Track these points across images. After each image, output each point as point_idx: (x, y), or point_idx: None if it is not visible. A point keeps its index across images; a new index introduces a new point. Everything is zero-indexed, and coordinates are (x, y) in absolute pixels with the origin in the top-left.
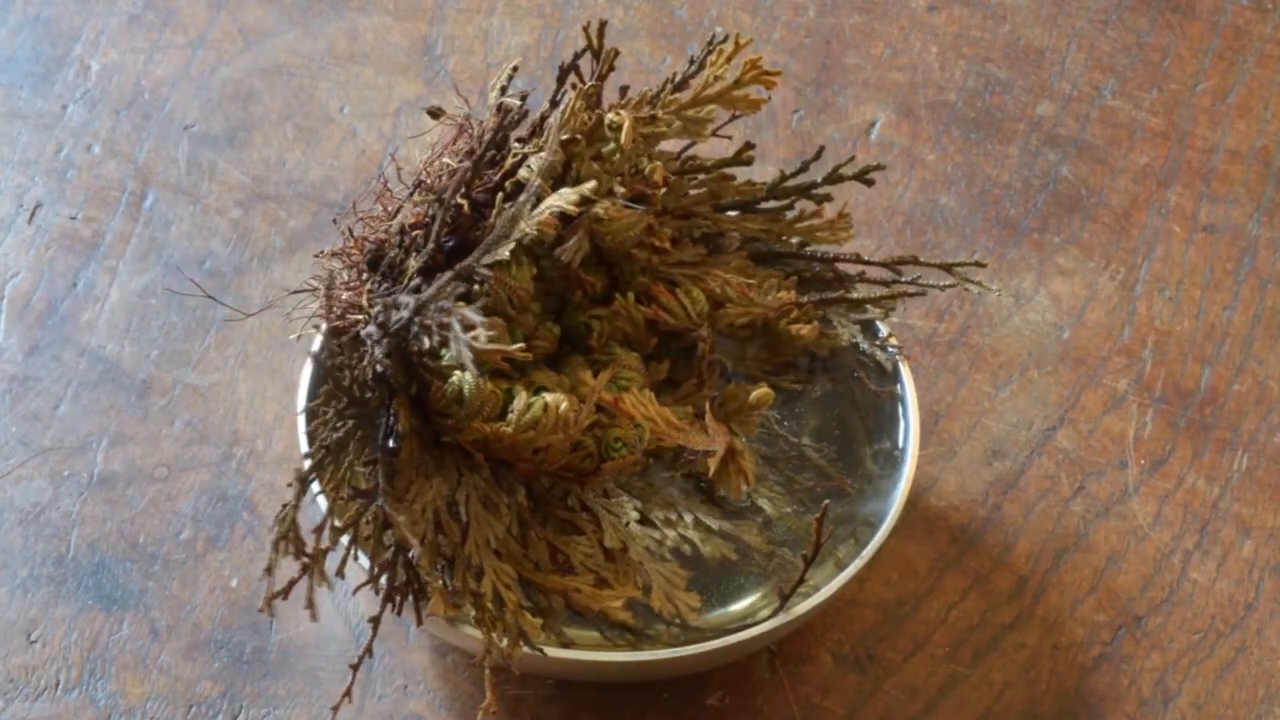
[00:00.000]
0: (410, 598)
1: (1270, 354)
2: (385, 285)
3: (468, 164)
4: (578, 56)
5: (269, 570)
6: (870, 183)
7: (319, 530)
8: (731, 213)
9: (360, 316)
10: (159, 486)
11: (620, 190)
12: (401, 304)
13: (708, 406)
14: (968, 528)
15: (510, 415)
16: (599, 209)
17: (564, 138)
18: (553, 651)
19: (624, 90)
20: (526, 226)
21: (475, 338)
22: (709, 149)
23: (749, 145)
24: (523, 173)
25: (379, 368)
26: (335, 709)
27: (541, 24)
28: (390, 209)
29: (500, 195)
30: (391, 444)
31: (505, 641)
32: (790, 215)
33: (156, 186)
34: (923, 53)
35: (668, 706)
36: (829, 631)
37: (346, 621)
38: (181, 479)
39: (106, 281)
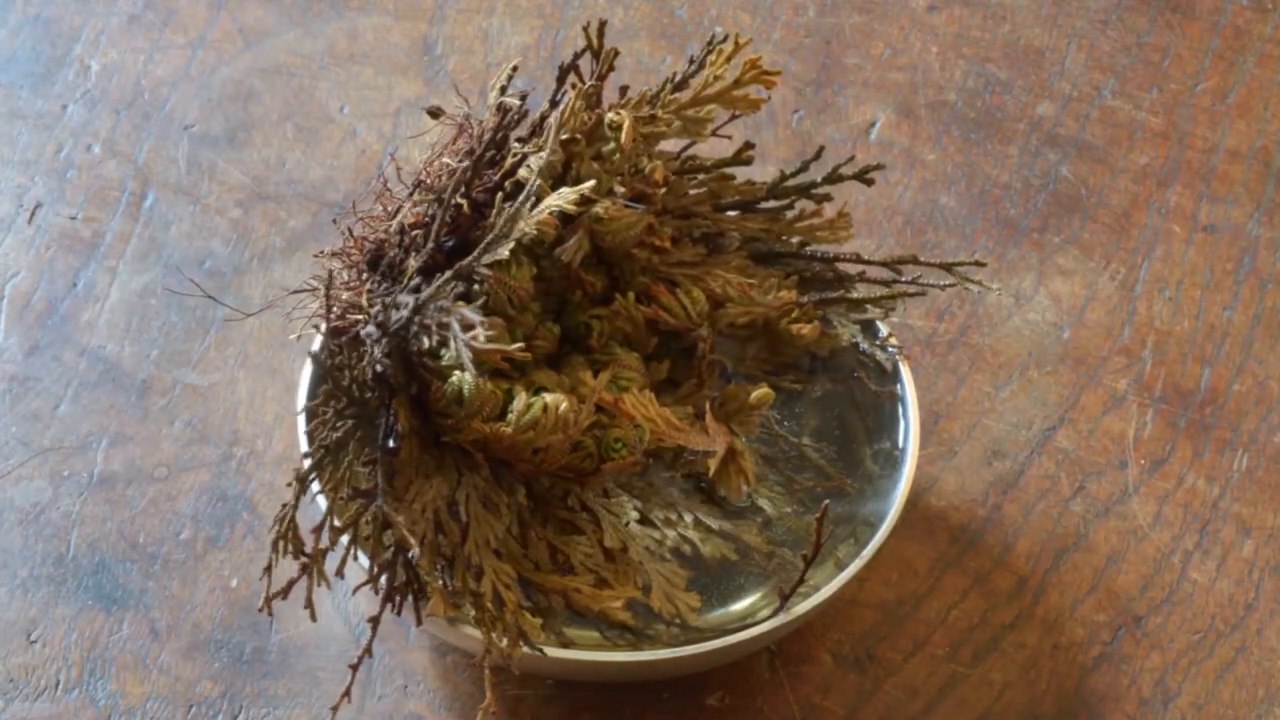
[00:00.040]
0: (410, 598)
1: (1270, 354)
2: (385, 285)
3: (467, 164)
4: (577, 56)
5: (268, 570)
6: (870, 182)
7: (318, 530)
8: (731, 212)
9: (360, 316)
10: (159, 486)
11: (620, 190)
12: (401, 304)
13: (708, 407)
14: (968, 528)
15: (510, 415)
16: (599, 208)
17: (564, 137)
18: (553, 651)
19: (624, 90)
20: (526, 226)
21: (475, 337)
22: (709, 149)
23: (749, 145)
24: (522, 172)
25: (379, 367)
26: (335, 709)
27: (541, 24)
28: (390, 209)
29: (500, 195)
30: (391, 444)
31: (505, 641)
32: (790, 215)
33: (156, 186)
34: (923, 53)
35: (668, 706)
36: (829, 631)
37: (346, 621)
38: (181, 479)
39: (106, 281)
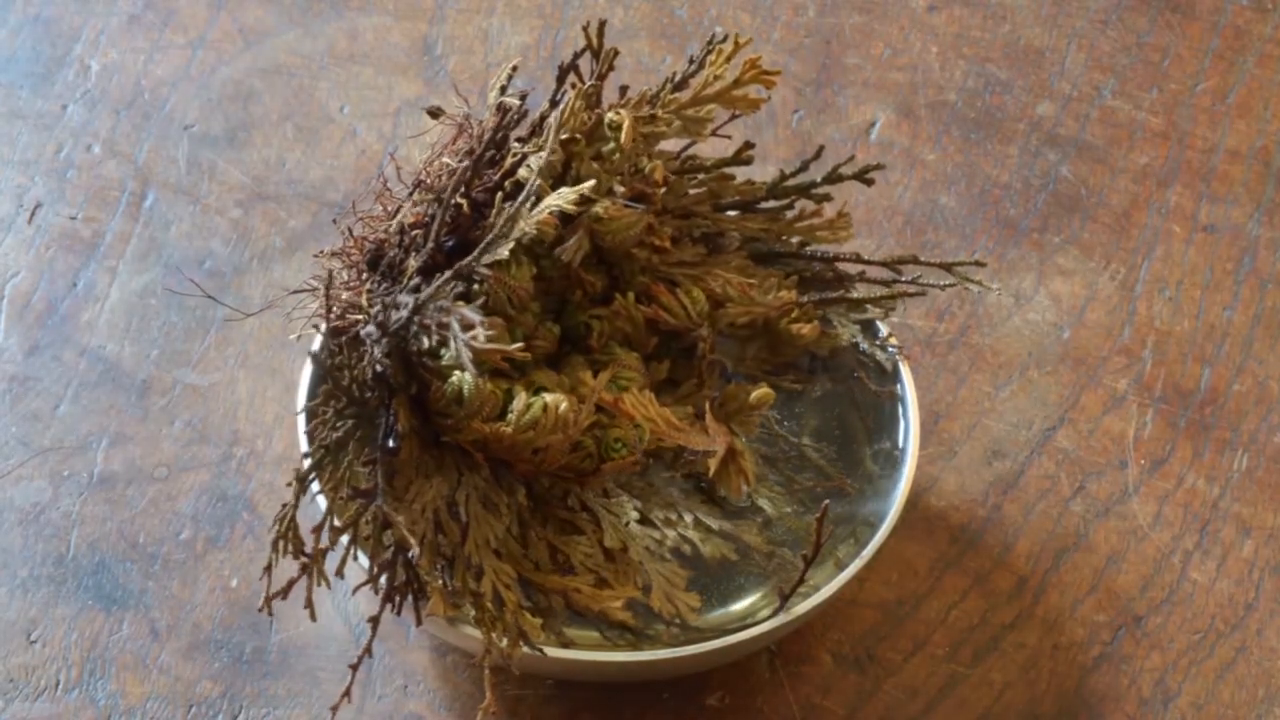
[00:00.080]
0: (410, 597)
1: (1270, 354)
2: (385, 285)
3: (467, 164)
4: (577, 56)
5: (268, 570)
6: (870, 182)
7: (318, 530)
8: (731, 212)
9: (360, 316)
10: (159, 486)
11: (620, 189)
12: (401, 303)
13: (708, 407)
14: (968, 528)
15: (510, 415)
16: (599, 208)
17: (563, 137)
18: (553, 651)
19: (624, 90)
20: (526, 226)
21: (474, 337)
22: (709, 149)
23: (748, 145)
24: (522, 172)
25: (378, 367)
26: (334, 709)
27: (541, 24)
28: (390, 209)
29: (500, 195)
30: (391, 444)
31: (505, 641)
32: (790, 215)
33: (156, 186)
34: (923, 53)
35: (668, 706)
36: (829, 631)
37: (346, 621)
38: (181, 479)
39: (106, 281)
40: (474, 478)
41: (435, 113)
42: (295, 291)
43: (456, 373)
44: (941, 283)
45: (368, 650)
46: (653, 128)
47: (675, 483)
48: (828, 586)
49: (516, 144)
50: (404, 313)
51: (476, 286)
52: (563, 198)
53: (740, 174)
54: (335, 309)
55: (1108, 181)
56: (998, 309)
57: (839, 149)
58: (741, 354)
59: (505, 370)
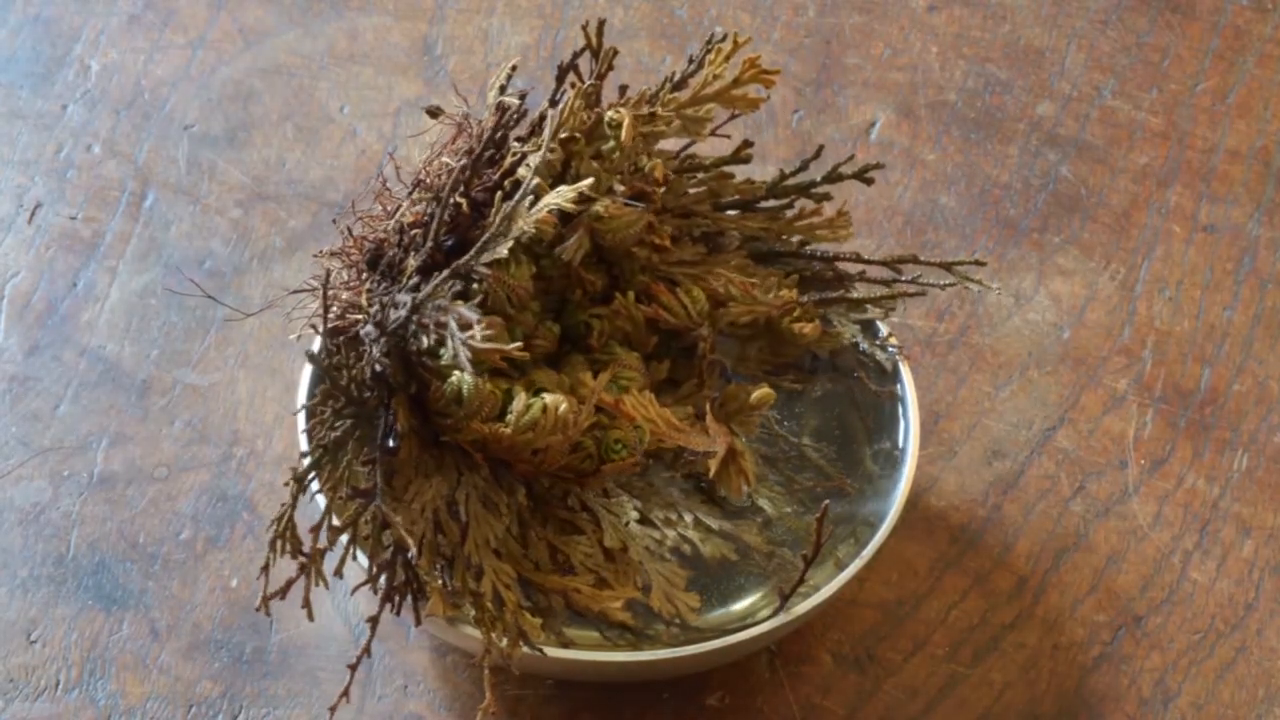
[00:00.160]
0: (409, 597)
1: (1270, 354)
2: (384, 284)
3: (466, 163)
4: (576, 56)
5: (266, 570)
6: (870, 181)
7: (316, 530)
8: (731, 211)
9: (360, 316)
10: (159, 486)
11: (620, 188)
12: (399, 303)
13: (708, 407)
14: (968, 528)
15: (509, 416)
16: (599, 207)
17: (563, 136)
18: (553, 651)
19: (623, 89)
20: (524, 224)
21: (472, 336)
22: (709, 148)
23: (747, 143)
24: (521, 171)
25: (377, 367)
26: (333, 709)
27: (541, 24)
28: (389, 208)
29: (499, 194)
30: (391, 443)
31: (505, 641)
32: (790, 214)
33: (156, 186)
34: (923, 53)
35: (668, 706)
36: (829, 631)
37: (346, 621)
38: (181, 479)
39: (106, 281)
40: (474, 477)
41: (435, 112)
42: (295, 291)
43: (456, 372)
44: (941, 282)
45: (366, 650)
46: (652, 127)
47: (675, 483)
48: (828, 586)
49: (516, 143)
50: (402, 312)
51: (475, 285)
52: (561, 196)
53: (740, 173)
54: (335, 309)
55: (1108, 181)
56: (998, 309)
57: (839, 149)
58: (742, 353)
59: (505, 370)
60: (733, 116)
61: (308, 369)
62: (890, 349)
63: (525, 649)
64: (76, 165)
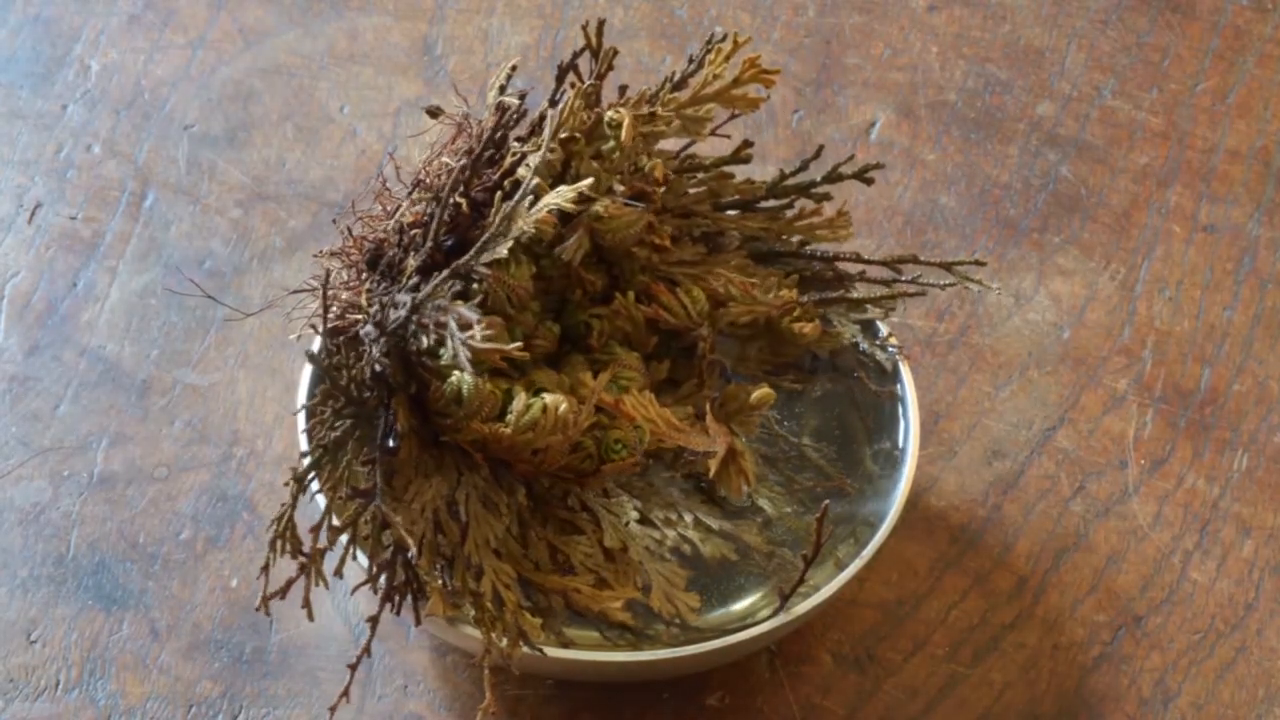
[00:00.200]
0: (409, 597)
1: (1270, 354)
2: (384, 284)
3: (465, 162)
4: (576, 55)
5: (265, 570)
6: (870, 181)
7: (316, 530)
8: (731, 211)
9: (359, 316)
10: (159, 486)
11: (620, 188)
12: (399, 303)
13: (708, 407)
14: (968, 528)
15: (509, 416)
16: (599, 207)
17: (563, 136)
18: (553, 651)
19: (623, 89)
20: (524, 224)
21: (472, 336)
22: (709, 148)
23: (747, 143)
24: (521, 171)
25: (377, 367)
26: (333, 709)
27: (541, 24)
28: (389, 208)
29: (499, 194)
30: (391, 443)
31: (505, 641)
32: (790, 214)
33: (156, 186)
34: (923, 53)
35: (668, 706)
36: (829, 631)
37: (346, 621)
38: (181, 479)
39: (106, 281)
40: (474, 477)
41: (434, 112)
42: (295, 291)
43: (456, 373)
44: (941, 282)
45: (366, 650)
46: (652, 127)
47: (675, 483)
48: (828, 586)
49: (516, 143)
50: (402, 312)
51: (475, 285)
52: (561, 196)
53: (740, 173)
54: (335, 309)
55: (1108, 181)
56: (998, 309)
57: (839, 149)
58: (742, 353)
59: (505, 370)
60: (733, 116)
61: (308, 369)
62: (890, 349)
63: (525, 649)
64: (76, 165)
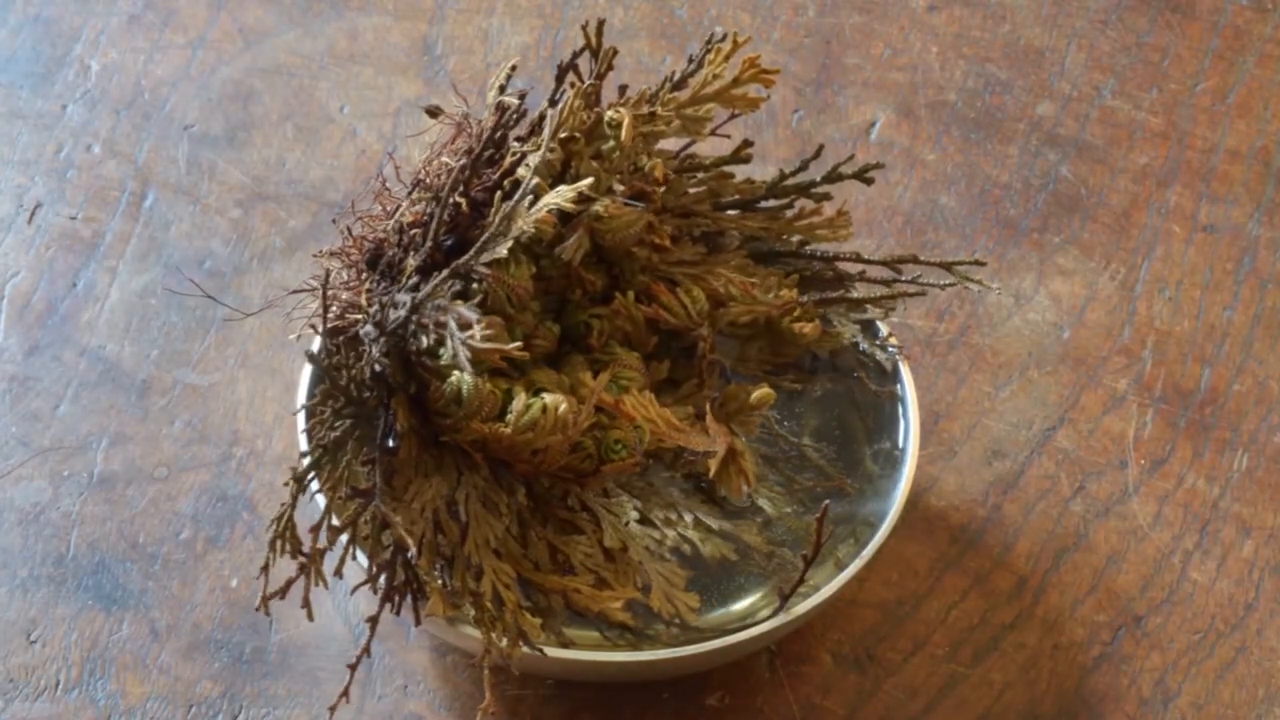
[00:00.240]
0: (409, 597)
1: (1270, 354)
2: (384, 284)
3: (465, 162)
4: (576, 55)
5: (265, 570)
6: (869, 181)
7: (316, 529)
8: (731, 211)
9: (359, 316)
10: (159, 486)
11: (620, 188)
12: (399, 303)
13: (708, 407)
14: (968, 528)
15: (509, 416)
16: (599, 207)
17: (563, 136)
18: (553, 651)
19: (623, 89)
20: (524, 224)
21: (471, 336)
22: (709, 148)
23: (747, 143)
24: (521, 171)
25: (377, 367)
26: (333, 709)
27: (541, 24)
28: (389, 208)
29: (499, 194)
30: (391, 443)
31: (505, 641)
32: (790, 214)
33: (156, 186)
34: (923, 53)
35: (668, 706)
36: (829, 631)
37: (346, 621)
38: (181, 479)
39: (106, 281)
40: (473, 477)
41: (434, 112)
42: (295, 291)
43: (455, 373)
44: (941, 282)
45: (366, 650)
46: (652, 126)
47: (675, 483)
48: (828, 586)
49: (516, 143)
50: (402, 312)
51: (475, 285)
52: (561, 196)
53: (740, 173)
54: (335, 308)
55: (1108, 181)
56: (998, 309)
57: (839, 149)
58: (742, 354)
59: (505, 370)
60: (733, 116)
61: (308, 369)
62: (890, 349)
63: (525, 649)
64: (76, 165)
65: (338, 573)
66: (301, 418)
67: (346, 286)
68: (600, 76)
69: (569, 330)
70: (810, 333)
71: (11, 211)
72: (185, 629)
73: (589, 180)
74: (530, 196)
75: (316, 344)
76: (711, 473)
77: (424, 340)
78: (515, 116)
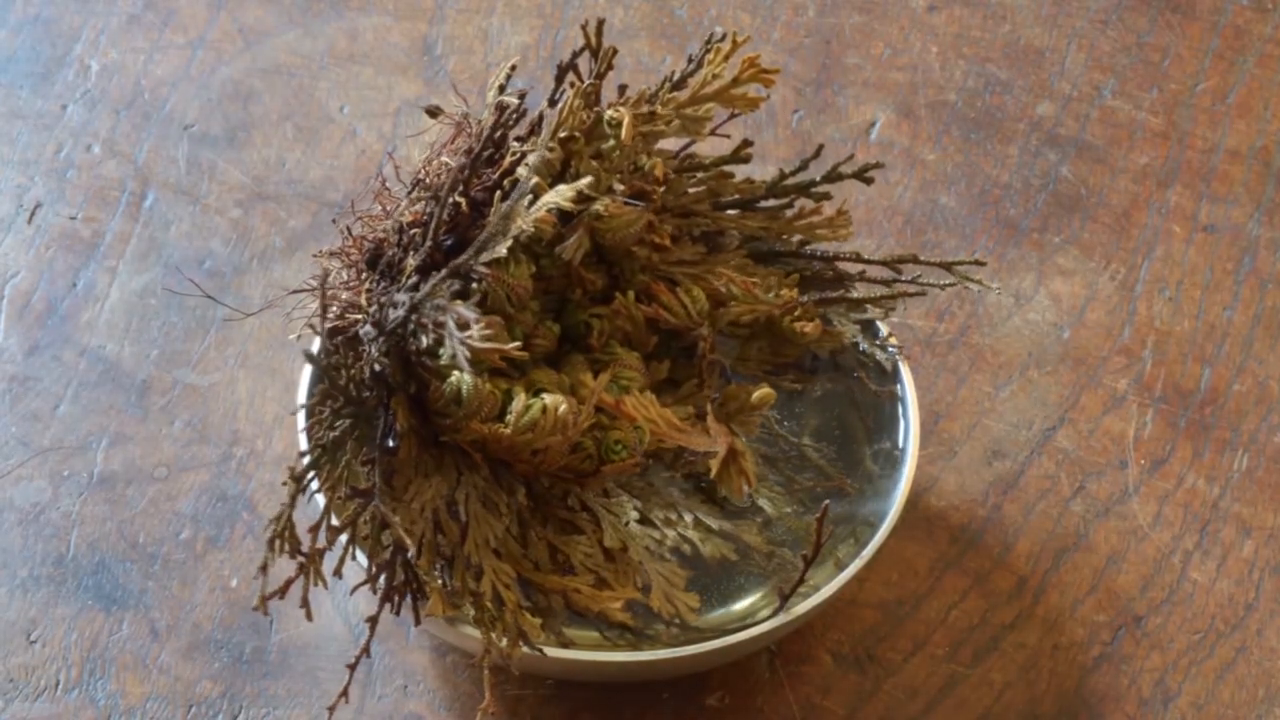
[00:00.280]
0: (409, 597)
1: (1270, 354)
2: (384, 284)
3: (464, 162)
4: (576, 55)
5: (264, 569)
6: (869, 181)
7: (315, 529)
8: (731, 211)
9: (359, 316)
10: (159, 486)
11: (620, 187)
12: (398, 302)
13: (708, 407)
14: (968, 528)
15: (509, 416)
16: (599, 206)
17: (562, 135)
18: (553, 651)
19: (623, 89)
20: (523, 223)
21: (470, 336)
22: (709, 148)
23: (746, 143)
24: (520, 170)
25: (376, 367)
26: (333, 709)
27: (541, 24)
28: (389, 208)
29: (499, 194)
30: (390, 443)
31: (505, 641)
32: (790, 213)
33: (156, 186)
34: (923, 53)
35: (668, 706)
36: (829, 631)
37: (346, 621)
38: (181, 479)
39: (106, 281)
40: (473, 477)
41: (434, 112)
42: (295, 291)
43: (455, 372)
44: (941, 282)
45: (366, 650)
46: (652, 126)
47: (675, 483)
48: (828, 586)
49: (515, 143)
50: (401, 312)
51: (474, 285)
52: (561, 195)
53: (740, 173)
54: (334, 308)
55: (1108, 181)
56: (998, 309)
57: (839, 149)
58: (742, 354)
59: (504, 370)
60: (733, 116)
61: (307, 369)
62: (890, 349)
63: (525, 649)
64: (76, 165)
65: (337, 573)
66: (301, 417)
67: (346, 286)
68: (600, 76)
69: (569, 330)
70: (810, 332)
71: (11, 211)
72: (185, 629)
73: (589, 179)
74: (530, 196)
75: (316, 344)
76: (712, 473)
77: (423, 340)
78: (515, 116)
